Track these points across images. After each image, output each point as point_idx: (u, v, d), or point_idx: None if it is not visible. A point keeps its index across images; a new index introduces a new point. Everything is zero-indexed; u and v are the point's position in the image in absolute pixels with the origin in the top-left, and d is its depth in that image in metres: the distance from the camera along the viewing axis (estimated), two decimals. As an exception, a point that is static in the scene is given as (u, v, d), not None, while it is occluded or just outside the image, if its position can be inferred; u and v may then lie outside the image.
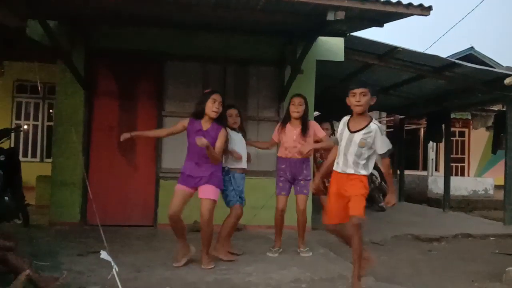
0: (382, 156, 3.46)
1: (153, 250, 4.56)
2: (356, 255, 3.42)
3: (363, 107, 3.45)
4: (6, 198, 5.08)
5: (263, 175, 5.96)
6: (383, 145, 3.42)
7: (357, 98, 3.44)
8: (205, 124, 3.93)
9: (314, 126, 4.66)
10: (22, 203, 5.55)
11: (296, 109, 4.52)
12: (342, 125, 3.56)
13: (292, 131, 4.55)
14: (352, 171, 3.42)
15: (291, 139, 4.53)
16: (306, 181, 4.59)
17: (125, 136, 4.02)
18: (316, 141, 4.63)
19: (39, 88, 9.00)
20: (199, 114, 3.93)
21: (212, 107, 3.87)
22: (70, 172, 5.71)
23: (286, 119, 4.66)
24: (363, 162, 3.43)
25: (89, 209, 5.64)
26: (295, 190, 4.62)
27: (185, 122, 4.00)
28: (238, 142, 4.36)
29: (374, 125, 3.43)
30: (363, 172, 3.44)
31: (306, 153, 4.54)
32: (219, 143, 3.91)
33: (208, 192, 3.87)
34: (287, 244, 4.77)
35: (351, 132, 3.44)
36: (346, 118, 3.57)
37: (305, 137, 4.52)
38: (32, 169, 7.66)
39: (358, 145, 3.40)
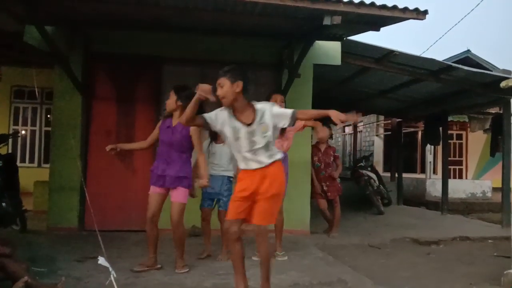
0: (290, 124, 3.13)
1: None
2: (264, 259, 3.17)
3: (227, 99, 3.10)
4: (4, 203, 5.09)
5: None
6: (281, 116, 3.11)
7: (218, 91, 3.12)
8: (175, 121, 3.94)
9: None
10: (19, 209, 5.54)
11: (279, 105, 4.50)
12: (229, 121, 3.17)
13: None
14: (269, 161, 3.08)
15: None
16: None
17: (109, 147, 4.02)
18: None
19: (37, 93, 8.99)
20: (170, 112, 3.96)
21: (170, 103, 3.95)
22: (68, 177, 5.70)
23: None
24: (271, 147, 3.11)
25: (87, 214, 5.63)
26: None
27: (159, 124, 4.08)
28: (220, 153, 4.44)
29: (259, 105, 3.14)
30: (277, 156, 3.13)
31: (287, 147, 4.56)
32: (196, 138, 3.90)
33: (178, 195, 3.89)
34: (286, 248, 4.77)
35: (248, 124, 3.07)
36: (225, 112, 3.18)
37: (284, 133, 4.51)
38: (30, 175, 7.64)
39: (262, 132, 3.05)
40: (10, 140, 7.81)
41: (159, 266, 3.98)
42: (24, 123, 9.92)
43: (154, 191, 3.92)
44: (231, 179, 4.59)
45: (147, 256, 3.99)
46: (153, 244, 3.97)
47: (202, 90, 3.09)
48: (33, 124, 9.92)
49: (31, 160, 9.81)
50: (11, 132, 8.78)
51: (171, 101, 3.93)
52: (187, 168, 3.94)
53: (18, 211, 5.51)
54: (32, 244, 4.85)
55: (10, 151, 8.17)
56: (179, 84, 4.12)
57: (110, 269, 2.86)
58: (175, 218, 3.88)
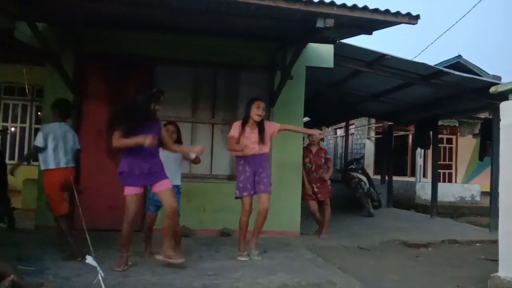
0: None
1: (140, 255, 4.52)
2: None
3: None
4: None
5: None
6: None
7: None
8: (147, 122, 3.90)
9: (267, 124, 4.74)
10: (7, 207, 5.48)
11: (259, 112, 4.57)
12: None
13: (250, 133, 4.60)
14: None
15: (249, 141, 4.57)
16: (267, 175, 4.60)
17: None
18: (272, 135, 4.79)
19: (27, 90, 8.90)
20: (142, 119, 3.86)
21: (159, 107, 3.99)
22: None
23: (245, 120, 4.64)
24: None
25: (76, 214, 5.57)
26: (258, 189, 4.56)
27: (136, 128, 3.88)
28: (171, 160, 4.32)
29: None
30: None
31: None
32: (166, 136, 4.06)
33: (165, 183, 3.91)
34: (275, 249, 4.78)
35: None
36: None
37: (263, 138, 4.60)
38: (19, 172, 7.54)
39: None
40: (-1, 137, 7.73)
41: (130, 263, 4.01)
42: (14, 120, 9.81)
43: (136, 192, 3.89)
44: (180, 189, 4.54)
45: (120, 256, 3.94)
46: (130, 245, 3.98)
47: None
48: (23, 121, 9.81)
49: (21, 158, 9.69)
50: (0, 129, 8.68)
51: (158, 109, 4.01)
52: (160, 161, 4.00)
53: (5, 209, 5.46)
54: (20, 242, 4.81)
55: (-1, 148, 8.08)
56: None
57: (98, 268, 2.84)
58: (173, 202, 3.89)
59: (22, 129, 9.81)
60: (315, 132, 5.36)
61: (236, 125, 4.66)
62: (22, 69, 7.69)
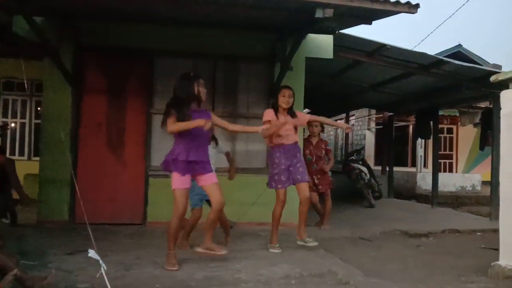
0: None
1: (142, 248, 4.55)
2: None
3: None
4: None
5: (252, 172, 5.97)
6: None
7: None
8: (196, 107, 3.87)
9: (299, 114, 4.84)
10: (9, 202, 5.50)
11: (286, 100, 4.61)
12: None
13: (283, 119, 4.62)
14: None
15: (284, 127, 4.59)
16: (303, 165, 4.68)
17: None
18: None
19: (26, 85, 8.88)
20: (188, 101, 3.79)
21: (203, 90, 3.88)
22: (58, 170, 5.66)
23: (275, 109, 4.70)
24: None
25: (77, 207, 5.59)
26: (295, 179, 4.62)
27: (181, 114, 3.74)
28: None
29: None
30: None
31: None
32: (222, 121, 4.11)
33: (213, 177, 3.88)
34: (278, 241, 4.79)
35: None
36: None
37: (296, 126, 4.72)
38: (19, 168, 7.52)
39: None
40: (-1, 133, 7.73)
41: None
42: (14, 116, 9.80)
43: (183, 185, 3.78)
44: None
45: (171, 254, 3.81)
46: (177, 239, 3.93)
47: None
48: (23, 116, 9.81)
49: (21, 153, 9.70)
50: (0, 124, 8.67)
51: (204, 91, 3.93)
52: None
53: (8, 204, 5.47)
54: (22, 237, 4.83)
55: (-1, 144, 8.09)
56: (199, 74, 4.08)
57: (101, 261, 2.86)
58: (221, 197, 3.84)
59: (22, 125, 9.81)
60: (342, 125, 5.44)
61: (269, 112, 4.69)
62: (21, 64, 7.66)
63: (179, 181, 3.78)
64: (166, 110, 3.79)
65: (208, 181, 3.87)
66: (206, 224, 4.03)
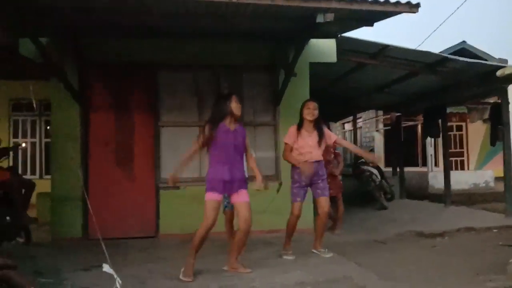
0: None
1: (156, 261, 4.56)
2: None
3: None
4: (8, 217, 5.09)
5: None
6: None
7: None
8: (231, 125, 3.95)
9: (326, 132, 4.74)
10: (24, 221, 5.54)
11: (310, 112, 4.58)
12: None
13: (308, 136, 4.59)
14: None
15: (306, 144, 4.56)
16: (324, 181, 4.65)
17: (172, 182, 3.99)
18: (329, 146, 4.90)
19: (35, 105, 9.00)
20: (221, 117, 3.92)
21: (237, 106, 3.95)
22: (70, 187, 5.71)
23: (300, 124, 4.67)
24: None
25: (90, 224, 5.63)
26: (315, 193, 4.65)
27: (208, 130, 3.89)
28: None
29: None
30: None
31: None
32: (248, 145, 4.11)
33: (244, 195, 3.93)
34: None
35: None
36: None
37: (321, 142, 4.60)
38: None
39: None
40: (11, 153, 7.82)
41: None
42: (24, 135, 9.94)
43: (215, 198, 3.83)
44: (247, 180, 4.59)
45: (190, 264, 3.82)
46: (198, 251, 3.91)
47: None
48: (33, 136, 9.95)
49: (33, 172, 9.82)
50: (11, 145, 8.79)
51: (238, 106, 3.97)
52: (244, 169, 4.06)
53: (22, 224, 5.52)
54: (37, 256, 4.86)
55: (11, 163, 8.18)
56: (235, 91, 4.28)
57: (115, 276, 2.87)
58: (249, 216, 3.90)
59: (33, 144, 9.94)
60: (368, 156, 5.51)
61: (292, 130, 4.66)
62: (29, 84, 7.78)
63: (211, 194, 3.85)
64: (203, 125, 4.03)
65: (240, 198, 3.92)
66: (233, 244, 4.06)
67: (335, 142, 4.81)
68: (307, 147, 4.55)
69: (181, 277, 3.75)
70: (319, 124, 4.64)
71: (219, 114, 3.92)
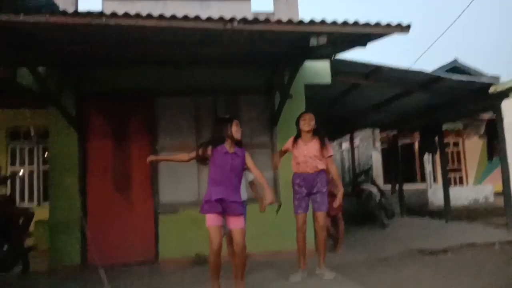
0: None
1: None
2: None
3: None
4: (5, 247, 5.05)
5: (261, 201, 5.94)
6: None
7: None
8: (230, 148, 3.99)
9: (328, 144, 4.81)
10: (22, 251, 5.49)
11: (306, 123, 4.68)
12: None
13: (303, 146, 4.68)
14: None
15: (301, 154, 4.65)
16: (322, 195, 4.66)
17: (150, 158, 4.25)
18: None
19: (32, 133, 9.03)
20: (221, 140, 3.98)
21: (237, 130, 4.02)
22: (68, 215, 5.68)
23: (297, 135, 4.78)
24: None
25: (89, 251, 5.58)
26: (313, 207, 4.68)
27: (206, 150, 3.97)
28: None
29: None
30: None
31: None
32: (252, 164, 4.06)
33: (239, 222, 3.94)
34: (292, 269, 4.72)
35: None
36: None
37: (321, 151, 4.66)
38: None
39: None
40: (9, 182, 7.80)
41: None
42: (22, 163, 9.91)
43: (216, 222, 3.85)
44: (245, 203, 4.63)
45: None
46: (218, 273, 3.94)
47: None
48: (31, 163, 9.92)
49: (31, 199, 9.75)
50: (9, 173, 8.77)
51: (239, 130, 4.04)
52: (240, 194, 4.05)
53: (20, 254, 5.46)
54: (35, 286, 4.79)
55: (9, 192, 8.14)
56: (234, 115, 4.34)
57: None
58: (243, 243, 3.91)
59: (31, 172, 9.91)
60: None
61: (289, 141, 4.81)
62: (26, 113, 7.83)
63: (211, 218, 3.85)
64: (199, 144, 4.12)
65: (235, 225, 3.94)
66: (233, 271, 4.07)
67: (329, 156, 4.79)
68: (301, 157, 4.65)
69: None
70: (319, 134, 4.72)
71: (219, 137, 3.99)
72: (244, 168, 4.08)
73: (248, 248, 5.29)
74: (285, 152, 4.87)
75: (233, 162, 3.95)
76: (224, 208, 3.88)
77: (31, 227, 7.13)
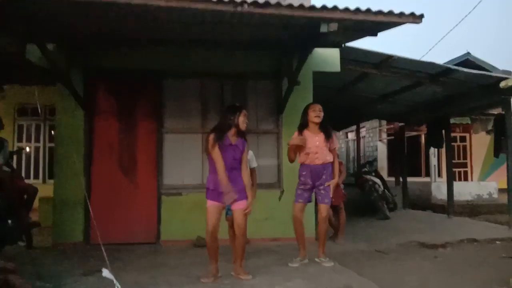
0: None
1: (156, 267, 4.55)
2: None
3: None
4: (10, 221, 5.11)
5: (264, 188, 5.96)
6: None
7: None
8: (232, 138, 4.02)
9: (334, 138, 4.80)
10: (26, 226, 5.55)
11: (316, 114, 4.63)
12: None
13: (313, 137, 4.63)
14: None
15: (313, 146, 4.61)
16: (326, 188, 4.65)
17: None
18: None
19: (39, 110, 9.07)
20: (227, 127, 4.00)
21: (244, 120, 4.03)
22: (72, 192, 5.73)
23: (303, 126, 4.71)
24: None
25: (92, 229, 5.63)
26: (317, 199, 4.69)
27: (213, 142, 3.94)
28: None
29: None
30: None
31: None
32: (245, 159, 4.14)
33: (242, 204, 4.00)
34: (291, 256, 4.75)
35: None
36: None
37: (327, 143, 4.64)
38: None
39: None
40: (15, 157, 7.86)
41: (220, 275, 4.03)
42: (28, 140, 9.99)
43: (214, 203, 3.95)
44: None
45: (208, 267, 4.02)
46: (216, 255, 4.00)
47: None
48: (37, 140, 10.00)
49: (36, 176, 9.86)
50: (15, 149, 8.84)
51: (245, 121, 4.06)
52: (242, 182, 4.08)
53: (24, 228, 5.53)
54: (38, 259, 4.86)
55: (14, 168, 8.20)
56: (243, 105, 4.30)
57: (115, 281, 2.87)
58: (244, 224, 3.99)
59: (37, 149, 9.99)
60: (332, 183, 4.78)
61: (295, 135, 4.70)
62: (34, 89, 7.85)
63: (211, 201, 3.96)
64: (209, 133, 4.06)
65: (236, 205, 4.00)
66: (234, 250, 4.15)
67: (334, 149, 4.80)
68: (314, 147, 4.61)
69: (201, 279, 3.91)
70: (326, 126, 4.69)
71: (225, 125, 4.01)
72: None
73: (249, 234, 5.34)
74: (298, 148, 4.67)
75: (235, 153, 4.01)
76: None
77: (35, 204, 7.24)
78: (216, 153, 3.91)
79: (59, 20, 4.56)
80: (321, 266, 4.54)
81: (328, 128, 4.70)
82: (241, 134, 4.09)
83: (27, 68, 5.92)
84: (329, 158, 4.67)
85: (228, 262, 4.35)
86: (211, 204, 3.94)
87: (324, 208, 4.65)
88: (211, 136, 3.97)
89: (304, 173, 4.66)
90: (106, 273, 2.81)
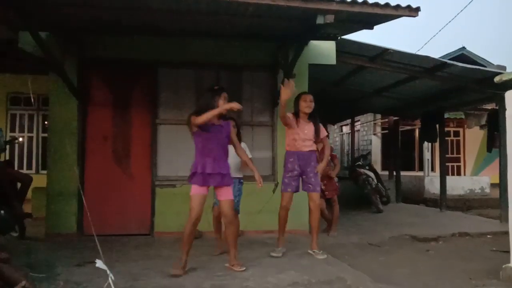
0: None
1: (150, 258, 4.55)
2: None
3: None
4: (2, 211, 5.08)
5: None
6: None
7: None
8: (215, 119, 3.94)
9: (322, 128, 4.83)
10: (19, 216, 5.53)
11: (307, 105, 4.65)
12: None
13: (305, 125, 4.66)
14: None
15: (302, 132, 4.63)
16: (315, 176, 4.66)
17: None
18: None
19: (33, 100, 8.99)
20: (206, 110, 3.87)
21: (224, 103, 3.94)
22: (66, 183, 5.69)
23: (296, 114, 4.72)
24: None
25: (85, 220, 5.61)
26: (306, 188, 4.67)
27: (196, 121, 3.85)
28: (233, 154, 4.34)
29: None
30: None
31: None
32: (235, 138, 4.16)
33: (227, 193, 3.97)
34: (285, 248, 4.77)
35: None
36: None
37: (317, 133, 4.68)
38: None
39: None
40: (8, 147, 7.79)
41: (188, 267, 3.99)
42: (21, 130, 9.91)
43: (200, 192, 3.88)
44: (242, 180, 4.74)
45: (179, 258, 3.92)
46: (190, 246, 3.93)
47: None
48: (30, 130, 9.92)
49: (29, 166, 9.80)
50: (8, 139, 8.77)
51: (225, 103, 3.94)
52: (228, 166, 4.04)
53: (16, 218, 5.50)
54: (31, 250, 4.84)
55: (7, 158, 8.16)
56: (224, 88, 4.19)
57: (108, 272, 2.86)
58: (231, 213, 3.97)
59: (30, 139, 9.92)
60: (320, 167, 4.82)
61: (291, 116, 4.67)
62: (27, 79, 7.77)
63: (196, 188, 3.90)
64: (188, 117, 3.95)
65: (223, 196, 3.98)
66: (227, 242, 4.12)
67: (323, 139, 4.82)
68: (302, 134, 4.63)
69: (170, 271, 3.81)
70: (315, 116, 4.72)
71: (205, 107, 3.89)
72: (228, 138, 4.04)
73: (243, 226, 5.38)
74: (288, 119, 4.58)
75: (219, 134, 3.94)
76: (212, 180, 3.89)
77: (29, 194, 7.20)
78: (200, 118, 3.77)
79: (52, 8, 4.50)
80: (314, 258, 4.57)
81: (316, 118, 4.72)
82: (223, 117, 4.02)
83: (19, 56, 5.86)
84: (314, 147, 4.71)
85: (212, 254, 4.36)
86: (196, 193, 3.87)
87: (316, 196, 4.66)
88: (192, 115, 3.88)
89: (291, 159, 4.64)
90: (99, 263, 2.80)
